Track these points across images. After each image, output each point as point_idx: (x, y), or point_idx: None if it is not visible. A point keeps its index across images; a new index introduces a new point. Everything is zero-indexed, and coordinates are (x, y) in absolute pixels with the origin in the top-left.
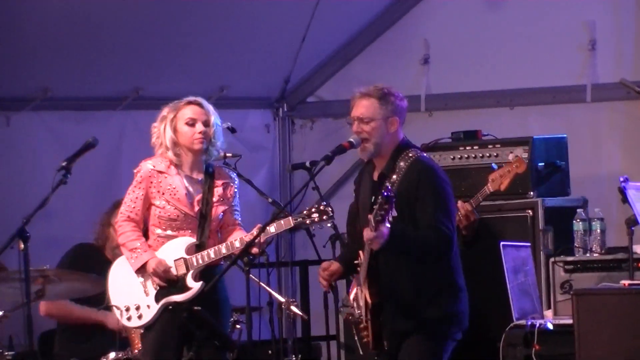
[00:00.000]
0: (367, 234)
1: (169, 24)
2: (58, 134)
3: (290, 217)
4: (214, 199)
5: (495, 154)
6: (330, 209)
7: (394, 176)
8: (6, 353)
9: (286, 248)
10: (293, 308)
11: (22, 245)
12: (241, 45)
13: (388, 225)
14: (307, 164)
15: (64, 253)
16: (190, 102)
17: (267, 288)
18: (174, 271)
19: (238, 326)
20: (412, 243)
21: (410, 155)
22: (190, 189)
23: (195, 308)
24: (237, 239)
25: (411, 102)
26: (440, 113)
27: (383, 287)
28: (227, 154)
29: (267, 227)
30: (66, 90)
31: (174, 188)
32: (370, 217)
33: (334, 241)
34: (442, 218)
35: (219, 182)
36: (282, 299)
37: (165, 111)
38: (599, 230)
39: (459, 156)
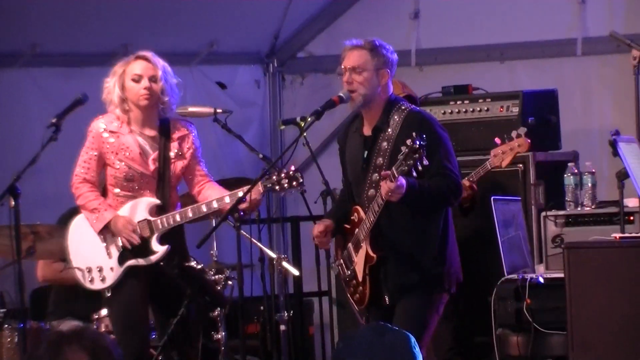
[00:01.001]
0: (388, 185)
1: None
2: (47, 90)
3: (260, 182)
4: (171, 155)
5: (485, 108)
6: (299, 174)
7: (389, 129)
8: None
9: (277, 204)
10: (284, 264)
11: (12, 202)
12: (230, 0)
13: (415, 174)
14: (298, 119)
15: (58, 215)
16: (138, 57)
17: (259, 244)
18: (135, 221)
19: (229, 282)
20: (427, 192)
21: (403, 108)
22: (145, 147)
23: (187, 264)
24: (204, 203)
25: (401, 56)
26: (431, 67)
27: (385, 242)
28: (218, 110)
29: (236, 191)
30: (55, 46)
31: (127, 147)
32: (394, 169)
33: (325, 197)
34: (448, 165)
35: (175, 137)
36: (273, 255)
37: (116, 66)
38: (590, 184)
39: (450, 111)
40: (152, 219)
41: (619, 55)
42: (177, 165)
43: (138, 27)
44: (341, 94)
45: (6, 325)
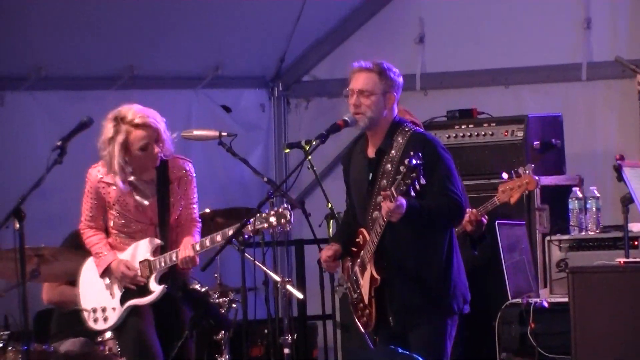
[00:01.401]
0: (387, 206)
1: (164, 2)
2: (53, 113)
3: (248, 225)
4: (171, 199)
5: (490, 133)
6: (289, 212)
7: (393, 151)
8: (1, 332)
9: None
10: (289, 287)
11: (17, 225)
12: (236, 24)
13: (413, 194)
14: (302, 142)
15: (61, 238)
16: (138, 126)
17: (263, 267)
18: (138, 273)
19: (234, 305)
20: (427, 213)
21: (407, 130)
22: (140, 195)
23: (191, 287)
24: (194, 244)
25: (406, 80)
26: (436, 92)
27: (390, 263)
28: (223, 133)
29: (226, 230)
30: (61, 70)
31: (123, 200)
32: (393, 189)
33: (329, 220)
34: (450, 186)
35: (173, 178)
36: (277, 278)
37: (111, 131)
38: (594, 209)
39: (454, 134)
40: (152, 259)
41: (623, 80)
42: (176, 207)
43: (143, 50)
44: (346, 118)
45: (10, 348)
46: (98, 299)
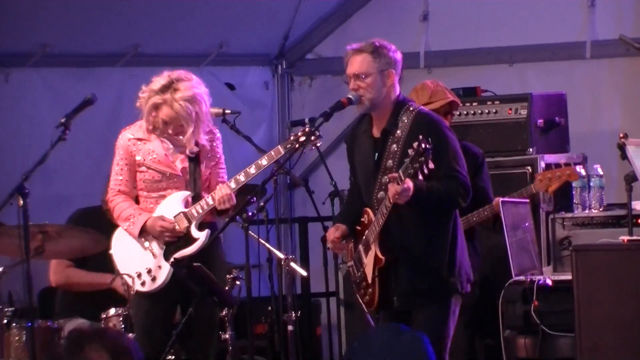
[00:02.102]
0: (395, 188)
1: None
2: (57, 90)
3: (279, 146)
4: (200, 155)
5: (494, 111)
6: (318, 130)
7: (398, 131)
8: (6, 309)
9: (285, 205)
10: (292, 265)
11: (21, 202)
12: (240, 2)
13: (421, 177)
14: (306, 120)
15: (65, 217)
16: (172, 103)
17: (267, 245)
18: (170, 217)
19: (237, 283)
20: (435, 195)
21: (412, 109)
22: (171, 148)
23: (195, 264)
24: (232, 180)
25: (410, 58)
26: (440, 70)
27: (395, 245)
28: (226, 111)
29: (259, 161)
30: (65, 47)
31: (153, 151)
32: (400, 172)
33: (333, 198)
34: (457, 167)
35: (204, 137)
36: (281, 256)
37: (151, 91)
38: (598, 187)
39: (458, 113)
40: (186, 210)
41: (628, 59)
42: (205, 165)
43: (148, 28)
44: (350, 96)
45: (14, 324)
46: (140, 263)
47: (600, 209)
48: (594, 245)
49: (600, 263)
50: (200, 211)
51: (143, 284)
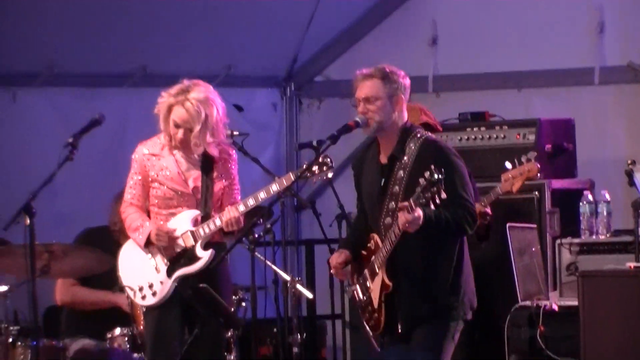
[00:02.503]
0: (405, 217)
1: (177, 1)
2: (64, 110)
3: (290, 173)
4: (214, 175)
5: (502, 136)
6: (329, 159)
7: (405, 158)
8: (11, 328)
9: (292, 227)
10: (298, 286)
11: (27, 221)
12: (249, 23)
13: (433, 207)
14: (314, 143)
15: (72, 236)
16: (183, 102)
17: (273, 266)
18: (177, 234)
19: (243, 304)
20: (444, 223)
21: (419, 136)
22: (184, 166)
23: (201, 285)
24: (241, 203)
25: (419, 82)
26: (448, 94)
27: (401, 270)
28: (234, 132)
29: (269, 187)
30: (72, 67)
31: (166, 167)
32: (412, 200)
33: (340, 220)
34: (464, 194)
35: (217, 158)
36: (287, 278)
37: (168, 95)
38: (605, 213)
39: (466, 137)
40: (193, 228)
41: (636, 85)
42: (217, 185)
43: (156, 48)
44: (357, 119)
45: (19, 343)
46: (143, 276)
47: (608, 235)
48: (601, 271)
49: (607, 289)
50: (207, 231)
51: (144, 297)
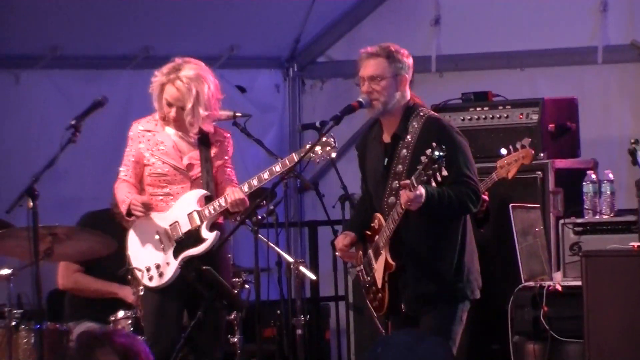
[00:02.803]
0: (407, 195)
1: None
2: (67, 92)
3: (293, 154)
4: (212, 155)
5: (505, 115)
6: (332, 139)
7: (408, 136)
8: (15, 311)
9: (295, 208)
10: (302, 268)
11: (30, 204)
12: (251, 4)
13: (434, 185)
14: (317, 124)
15: (74, 219)
16: (174, 80)
17: (276, 248)
18: (183, 213)
19: (247, 286)
20: (446, 201)
21: (422, 114)
22: (181, 143)
23: (204, 268)
24: (245, 184)
25: (422, 62)
26: (451, 74)
27: (404, 250)
28: (237, 114)
29: (272, 167)
30: (76, 49)
31: (161, 142)
32: (413, 178)
33: (343, 202)
34: (468, 173)
35: (213, 139)
36: (290, 260)
37: (160, 74)
38: (608, 192)
39: (469, 117)
40: (199, 208)
41: (639, 64)
42: (217, 162)
43: (159, 30)
44: (360, 99)
45: (23, 326)
46: (150, 258)
47: (611, 215)
48: (604, 251)
49: (610, 269)
50: (213, 212)
51: (150, 278)
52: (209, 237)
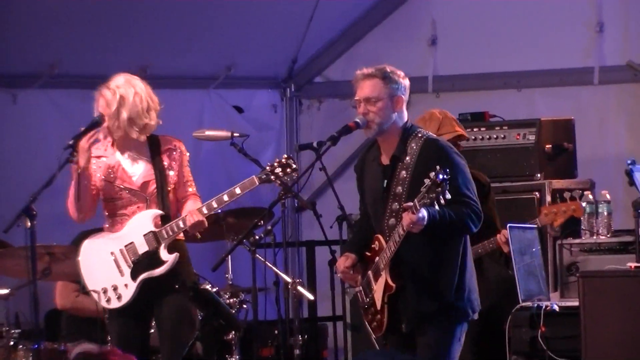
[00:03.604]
0: (410, 217)
1: (178, 2)
2: (65, 111)
3: (254, 176)
4: (164, 166)
5: (502, 136)
6: (292, 161)
7: (407, 158)
8: (12, 330)
9: (293, 228)
10: (299, 288)
11: (28, 223)
12: (249, 24)
13: (437, 208)
14: (314, 144)
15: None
16: (102, 93)
17: (274, 268)
18: (138, 235)
19: (244, 306)
20: (448, 222)
21: (420, 135)
22: (132, 164)
23: (201, 287)
24: (204, 205)
25: (418, 83)
26: (448, 94)
27: (405, 270)
28: (234, 134)
29: (233, 189)
30: (73, 68)
31: (112, 166)
32: (416, 201)
33: (340, 222)
34: (468, 193)
35: (162, 149)
36: (288, 279)
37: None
38: (605, 213)
39: (467, 138)
40: (156, 230)
41: (635, 85)
42: (171, 177)
43: (157, 49)
44: (357, 120)
45: (20, 346)
46: (107, 278)
47: (608, 235)
48: (602, 272)
49: (608, 289)
50: (171, 233)
51: (108, 300)
52: (169, 258)
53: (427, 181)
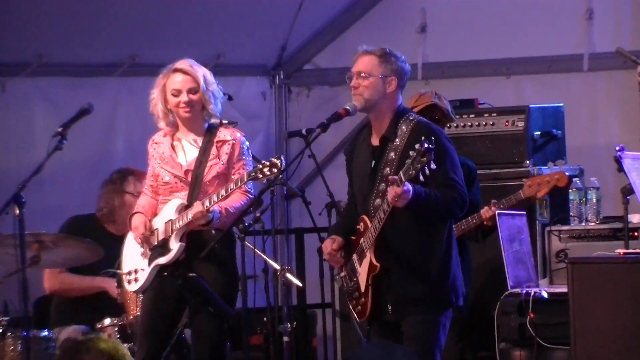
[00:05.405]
0: (395, 190)
1: None
2: (53, 100)
3: (244, 173)
4: (209, 158)
5: (491, 123)
6: (279, 162)
7: (397, 140)
8: (1, 318)
9: (282, 216)
10: (288, 276)
11: (17, 211)
12: (238, 12)
13: (422, 179)
14: (303, 131)
15: (60, 225)
16: (176, 70)
17: (263, 255)
18: (160, 223)
19: None
20: (433, 201)
21: (411, 119)
22: (182, 151)
23: (190, 275)
24: (207, 199)
25: None
26: (437, 81)
27: (390, 252)
28: (223, 121)
29: (228, 185)
30: (62, 56)
31: (163, 153)
32: (401, 173)
33: (329, 209)
34: (455, 177)
35: (215, 140)
36: (277, 267)
37: (159, 79)
38: (594, 200)
39: (455, 124)
40: (174, 218)
41: (625, 72)
42: (213, 168)
43: (145, 38)
44: (347, 107)
45: (9, 334)
46: (134, 262)
47: (597, 222)
48: (590, 258)
49: (596, 276)
50: (181, 223)
51: (129, 282)
52: (174, 247)
53: (412, 153)
